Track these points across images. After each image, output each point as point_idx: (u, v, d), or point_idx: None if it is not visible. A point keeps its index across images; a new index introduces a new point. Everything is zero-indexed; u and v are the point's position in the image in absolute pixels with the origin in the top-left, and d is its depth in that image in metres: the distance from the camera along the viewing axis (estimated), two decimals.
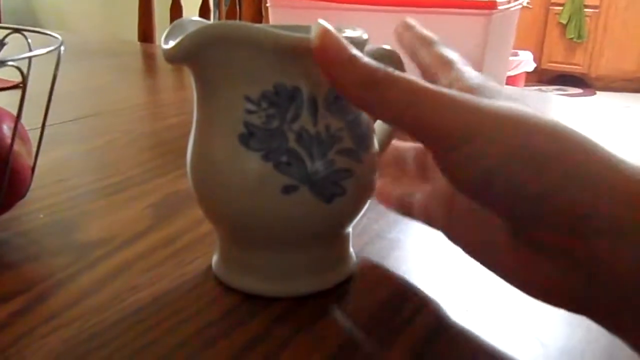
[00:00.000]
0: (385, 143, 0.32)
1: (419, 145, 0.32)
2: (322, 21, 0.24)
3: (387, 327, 0.27)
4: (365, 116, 0.29)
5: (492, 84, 0.26)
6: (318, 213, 0.27)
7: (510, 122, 0.22)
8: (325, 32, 0.24)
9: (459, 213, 0.28)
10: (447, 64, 0.28)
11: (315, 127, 0.26)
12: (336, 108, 0.27)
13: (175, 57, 0.25)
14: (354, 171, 0.27)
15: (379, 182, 0.32)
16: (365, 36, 0.28)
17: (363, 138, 0.28)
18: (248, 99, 0.26)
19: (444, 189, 0.29)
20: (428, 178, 0.32)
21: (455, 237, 0.29)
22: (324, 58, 0.24)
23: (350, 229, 0.31)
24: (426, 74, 0.29)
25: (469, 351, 0.26)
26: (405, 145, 0.34)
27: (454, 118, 0.22)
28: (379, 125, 0.32)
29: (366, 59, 0.24)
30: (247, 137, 0.26)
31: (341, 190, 0.27)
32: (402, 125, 0.23)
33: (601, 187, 0.21)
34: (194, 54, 0.25)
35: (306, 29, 0.29)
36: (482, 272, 0.28)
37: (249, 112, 0.26)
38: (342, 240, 0.31)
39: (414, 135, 0.23)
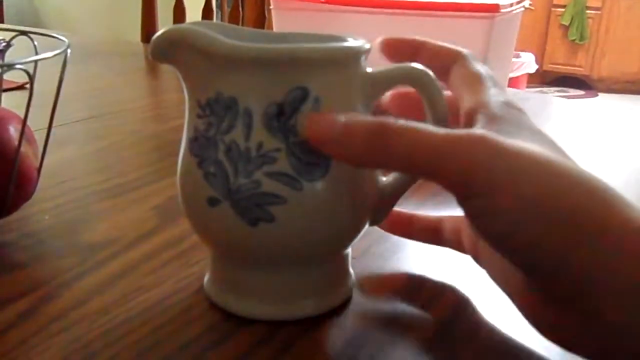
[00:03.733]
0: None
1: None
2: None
3: (377, 348, 0.27)
4: None
5: (516, 113, 0.25)
6: (241, 233, 0.25)
7: (529, 169, 0.22)
8: (311, 118, 0.24)
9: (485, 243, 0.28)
10: (475, 84, 0.27)
11: (247, 142, 0.25)
12: (278, 127, 0.25)
13: (152, 55, 0.26)
14: (287, 199, 0.25)
15: (395, 212, 0.31)
16: (367, 45, 0.26)
17: (311, 165, 0.25)
18: (198, 103, 0.26)
19: None
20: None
21: (481, 263, 0.29)
22: (320, 141, 0.24)
23: (349, 250, 0.29)
24: (453, 91, 0.28)
25: (478, 350, 0.26)
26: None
27: (467, 168, 0.22)
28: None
29: (360, 119, 0.24)
30: (193, 142, 0.26)
31: (268, 216, 0.25)
32: (417, 175, 0.23)
33: (620, 250, 0.21)
34: (163, 55, 0.26)
35: (319, 37, 0.28)
36: (486, 273, 0.28)
37: (198, 116, 0.26)
38: (332, 264, 0.29)
39: (434, 182, 0.23)
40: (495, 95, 0.26)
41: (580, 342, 0.23)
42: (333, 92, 0.25)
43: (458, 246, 0.31)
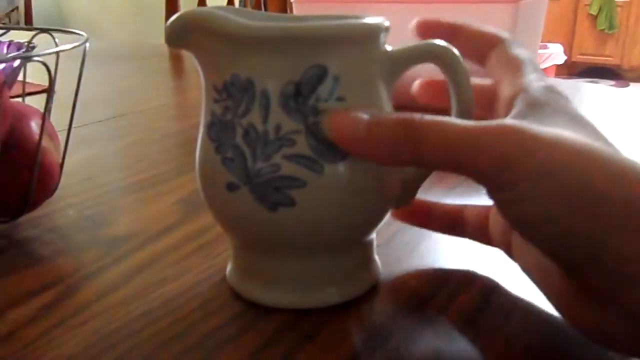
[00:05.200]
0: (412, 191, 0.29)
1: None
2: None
3: (404, 337, 0.27)
4: None
5: (556, 98, 0.24)
6: (261, 219, 0.25)
7: (565, 158, 0.20)
8: (332, 117, 0.23)
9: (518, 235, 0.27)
10: (515, 69, 0.26)
11: (264, 125, 0.24)
12: (295, 108, 0.24)
13: (167, 41, 0.25)
14: (307, 182, 0.24)
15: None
16: (386, 23, 0.26)
17: (330, 147, 0.24)
18: (214, 87, 0.25)
19: None
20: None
21: (514, 256, 0.28)
22: (344, 141, 0.23)
23: (373, 237, 0.29)
24: (492, 77, 0.27)
25: (504, 340, 0.25)
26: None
27: (500, 157, 0.21)
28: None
29: (385, 116, 0.23)
30: (210, 127, 0.26)
31: (288, 201, 0.24)
32: (445, 170, 0.22)
33: None
34: (179, 40, 0.25)
35: (335, 17, 0.28)
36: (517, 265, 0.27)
37: (215, 101, 0.25)
38: (356, 251, 0.28)
39: (464, 175, 0.22)
40: (535, 80, 0.25)
41: (620, 339, 0.22)
42: (352, 70, 0.24)
43: (482, 238, 0.30)
